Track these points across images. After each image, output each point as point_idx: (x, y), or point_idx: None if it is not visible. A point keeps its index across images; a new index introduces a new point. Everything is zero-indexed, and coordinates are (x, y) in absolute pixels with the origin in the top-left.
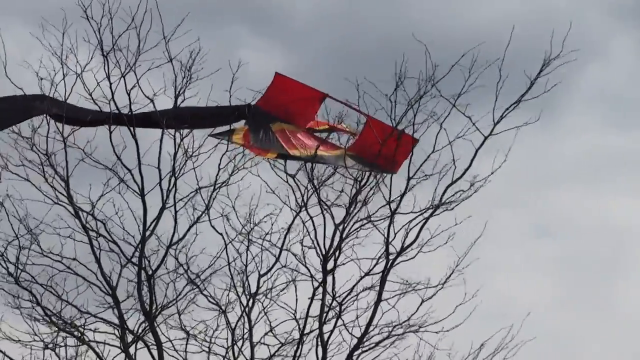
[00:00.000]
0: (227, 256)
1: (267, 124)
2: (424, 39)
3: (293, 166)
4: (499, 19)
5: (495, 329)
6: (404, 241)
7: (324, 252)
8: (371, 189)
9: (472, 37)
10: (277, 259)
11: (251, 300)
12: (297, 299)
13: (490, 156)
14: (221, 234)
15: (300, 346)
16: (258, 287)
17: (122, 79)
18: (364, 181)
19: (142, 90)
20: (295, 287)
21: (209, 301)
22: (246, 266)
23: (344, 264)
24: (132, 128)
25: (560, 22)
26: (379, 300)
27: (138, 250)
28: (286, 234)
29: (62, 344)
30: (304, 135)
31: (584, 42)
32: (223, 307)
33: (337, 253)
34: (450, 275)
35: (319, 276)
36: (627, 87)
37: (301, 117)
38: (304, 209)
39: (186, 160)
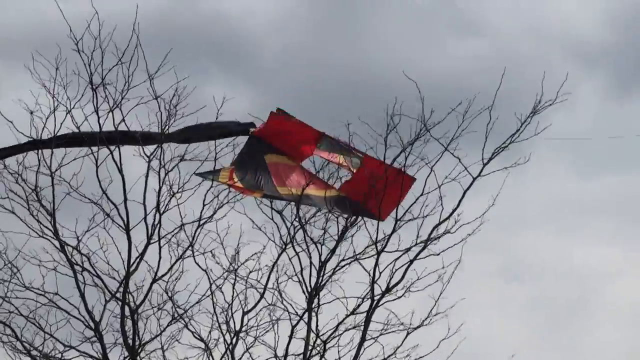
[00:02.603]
0: (212, 293)
1: (262, 155)
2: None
3: (280, 204)
4: (462, 65)
5: None
6: (389, 281)
7: (309, 290)
8: (358, 228)
9: (436, 81)
10: (262, 296)
11: (235, 338)
12: (278, 337)
13: (473, 197)
14: (205, 271)
15: None
16: (242, 325)
17: (111, 113)
18: (349, 221)
19: (127, 127)
20: (278, 325)
21: (194, 337)
22: (231, 304)
23: (328, 302)
24: (119, 163)
25: (525, 66)
26: (362, 340)
27: (122, 285)
28: (270, 271)
29: None
30: (296, 171)
31: (549, 87)
32: (207, 344)
33: (320, 291)
34: (430, 313)
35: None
36: (592, 133)
37: (297, 154)
38: (290, 245)
39: (171, 197)
